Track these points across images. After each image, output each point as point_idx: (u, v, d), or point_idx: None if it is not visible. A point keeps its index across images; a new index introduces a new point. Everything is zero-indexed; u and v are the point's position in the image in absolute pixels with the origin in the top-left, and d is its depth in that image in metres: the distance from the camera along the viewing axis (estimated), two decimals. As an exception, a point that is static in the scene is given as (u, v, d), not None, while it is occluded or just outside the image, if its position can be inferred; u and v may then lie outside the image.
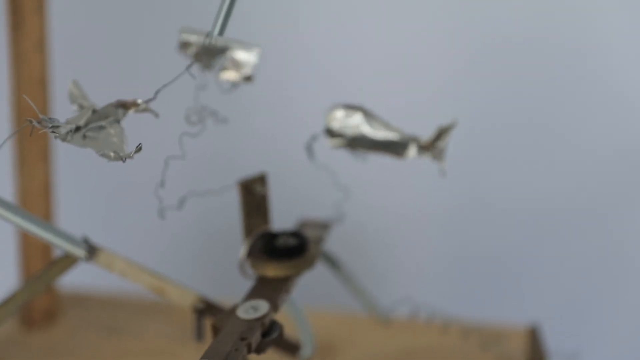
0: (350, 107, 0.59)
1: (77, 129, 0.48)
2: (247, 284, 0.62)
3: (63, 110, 0.55)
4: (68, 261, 0.55)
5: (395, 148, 0.59)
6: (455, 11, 0.93)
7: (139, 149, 0.48)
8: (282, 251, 0.57)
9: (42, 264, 0.81)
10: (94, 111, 0.49)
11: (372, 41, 0.95)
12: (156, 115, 0.51)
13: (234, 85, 0.61)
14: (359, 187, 0.97)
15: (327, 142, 0.60)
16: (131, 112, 0.50)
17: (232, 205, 0.63)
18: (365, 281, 1.01)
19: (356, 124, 0.59)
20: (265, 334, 0.52)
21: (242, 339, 0.51)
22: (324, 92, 0.95)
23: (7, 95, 0.80)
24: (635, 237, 0.99)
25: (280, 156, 0.98)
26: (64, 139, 0.48)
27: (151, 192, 1.01)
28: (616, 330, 1.02)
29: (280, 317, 0.55)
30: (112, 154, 0.48)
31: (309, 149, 0.61)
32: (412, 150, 0.59)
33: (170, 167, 0.58)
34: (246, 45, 0.60)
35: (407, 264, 1.01)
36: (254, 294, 0.55)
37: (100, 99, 0.53)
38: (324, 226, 0.63)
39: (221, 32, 0.51)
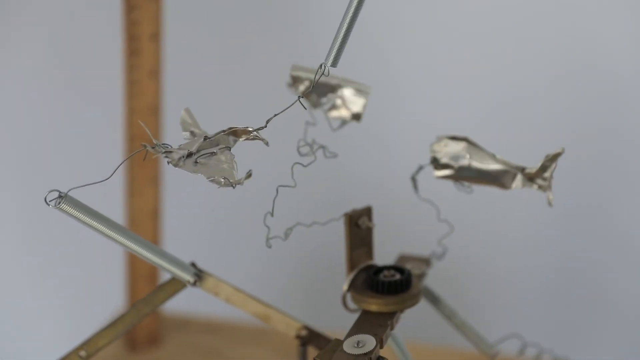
0: (456, 138, 0.59)
1: (189, 154, 0.49)
2: (346, 315, 0.62)
3: (175, 138, 0.56)
4: (175, 285, 0.56)
5: (501, 179, 0.59)
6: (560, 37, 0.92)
7: (248, 175, 0.49)
8: (386, 286, 0.57)
9: (147, 287, 0.83)
10: (206, 138, 0.50)
11: (473, 74, 0.94)
12: (266, 143, 0.52)
13: (343, 122, 0.62)
14: (456, 219, 0.97)
15: (433, 173, 0.60)
16: (242, 139, 0.52)
17: (334, 237, 0.63)
18: (466, 315, 0.99)
19: (462, 154, 0.60)
20: None
21: None
22: (427, 125, 0.95)
23: (121, 121, 0.82)
24: None
25: (383, 190, 0.98)
26: (176, 164, 0.49)
27: (256, 219, 1.02)
28: None
29: (383, 352, 0.55)
30: (222, 180, 0.49)
31: (414, 181, 0.61)
32: (518, 181, 0.59)
33: (278, 196, 0.59)
34: (358, 85, 0.62)
35: (510, 297, 0.99)
36: (358, 328, 0.55)
37: (211, 127, 0.54)
38: (424, 261, 0.62)
39: (334, 64, 0.51)
